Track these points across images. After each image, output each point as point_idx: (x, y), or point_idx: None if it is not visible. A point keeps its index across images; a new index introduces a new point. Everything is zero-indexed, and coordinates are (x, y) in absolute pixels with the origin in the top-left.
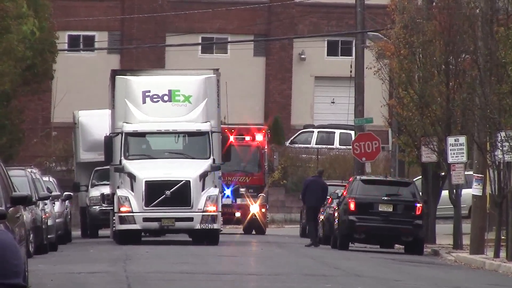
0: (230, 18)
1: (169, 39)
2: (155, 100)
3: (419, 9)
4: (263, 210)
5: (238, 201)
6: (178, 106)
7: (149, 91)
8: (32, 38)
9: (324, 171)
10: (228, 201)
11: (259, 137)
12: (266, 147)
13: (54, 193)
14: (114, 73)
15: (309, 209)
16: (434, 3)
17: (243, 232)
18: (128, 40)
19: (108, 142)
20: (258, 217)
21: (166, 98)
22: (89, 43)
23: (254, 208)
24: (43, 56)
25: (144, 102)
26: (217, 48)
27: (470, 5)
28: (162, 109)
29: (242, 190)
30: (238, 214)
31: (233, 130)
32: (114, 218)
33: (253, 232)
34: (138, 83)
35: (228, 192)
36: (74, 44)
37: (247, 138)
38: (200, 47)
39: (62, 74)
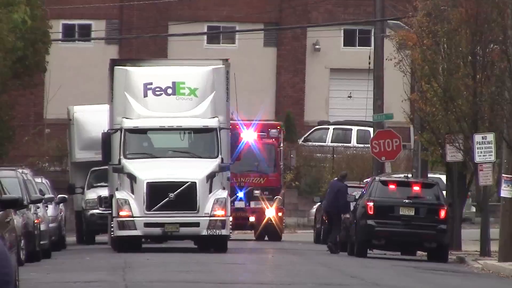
0: (238, 5)
1: (171, 28)
2: (157, 93)
3: None
4: (280, 214)
5: (252, 204)
6: (183, 100)
7: (151, 83)
8: (23, 27)
9: (347, 175)
10: (241, 204)
11: (274, 133)
12: (282, 144)
13: (47, 196)
14: (113, 63)
15: (324, 212)
16: None
17: (254, 239)
18: (127, 29)
19: (106, 139)
20: (274, 222)
21: (169, 91)
22: (85, 33)
23: (270, 212)
24: (35, 46)
25: (145, 95)
26: (224, 38)
27: None
28: (166, 103)
29: (257, 192)
30: (252, 219)
31: (246, 126)
32: (112, 223)
33: (266, 238)
34: (139, 74)
35: (241, 194)
36: (69, 34)
37: (262, 134)
38: (205, 37)
39: (56, 67)
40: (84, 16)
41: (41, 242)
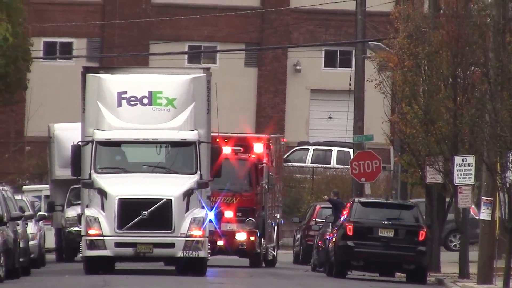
0: (220, 25)
1: (153, 47)
2: (132, 103)
3: (425, 17)
4: (252, 238)
5: (223, 226)
6: (160, 110)
7: (125, 93)
8: (4, 45)
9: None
10: (210, 226)
11: (259, 148)
12: (266, 160)
13: (27, 213)
14: (86, 71)
15: None
16: (441, 11)
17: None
18: (108, 47)
19: (76, 152)
20: (246, 247)
21: (145, 101)
22: (66, 51)
23: (241, 236)
24: (16, 64)
25: (119, 105)
26: (205, 58)
27: (481, 13)
28: (141, 114)
29: (228, 213)
30: (220, 243)
31: (226, 140)
32: (81, 242)
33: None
34: (113, 82)
35: (210, 215)
36: (50, 51)
37: (237, 149)
38: (186, 56)
39: (37, 84)
40: (66, 34)
41: (21, 259)
